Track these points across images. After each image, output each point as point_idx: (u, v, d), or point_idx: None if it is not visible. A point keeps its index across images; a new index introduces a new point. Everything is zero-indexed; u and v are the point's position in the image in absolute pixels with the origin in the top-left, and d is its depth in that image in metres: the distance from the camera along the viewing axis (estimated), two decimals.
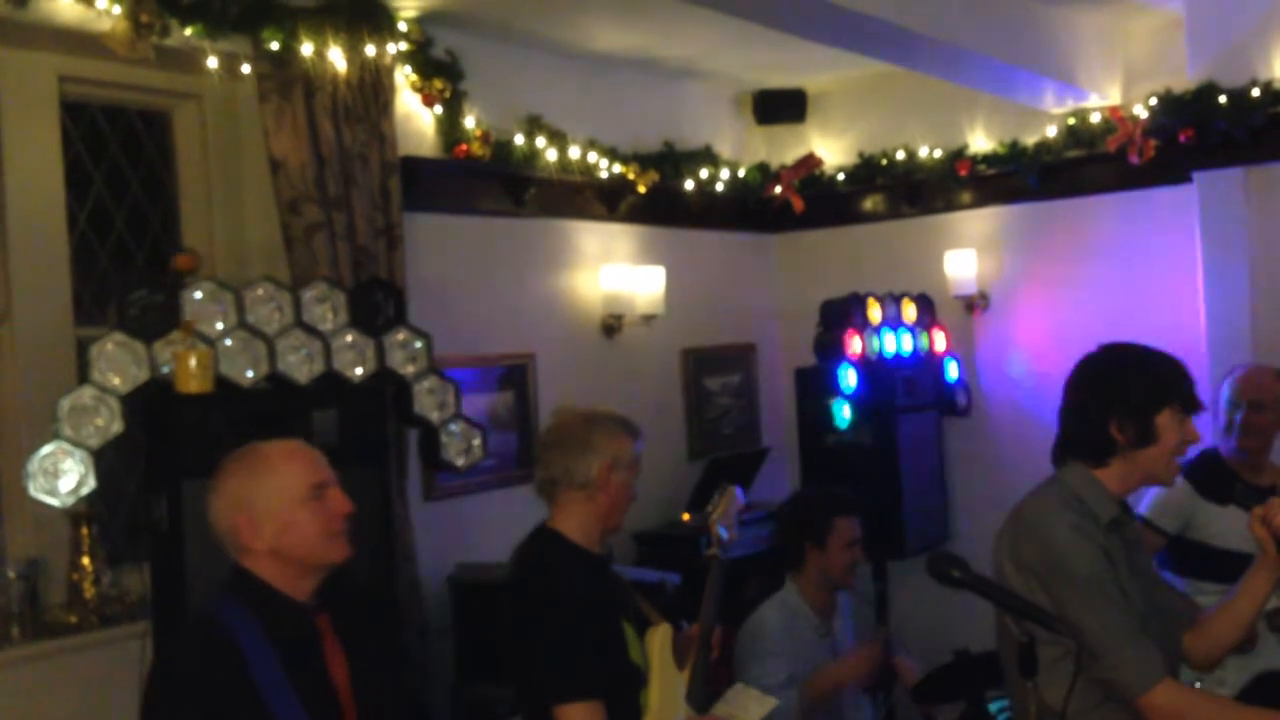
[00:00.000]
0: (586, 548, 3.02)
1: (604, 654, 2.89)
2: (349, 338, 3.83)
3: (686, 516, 5.55)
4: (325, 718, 2.39)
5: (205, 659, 2.34)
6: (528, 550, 3.05)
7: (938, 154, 6.05)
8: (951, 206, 6.15)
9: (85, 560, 3.75)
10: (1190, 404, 2.66)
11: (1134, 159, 5.34)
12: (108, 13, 3.69)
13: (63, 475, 3.30)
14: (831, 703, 3.89)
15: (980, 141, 6.00)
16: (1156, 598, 2.74)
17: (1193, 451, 2.77)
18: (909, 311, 5.81)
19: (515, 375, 5.20)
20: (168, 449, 3.40)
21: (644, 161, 5.67)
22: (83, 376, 3.42)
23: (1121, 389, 2.65)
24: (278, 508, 2.42)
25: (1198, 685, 3.27)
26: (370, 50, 4.35)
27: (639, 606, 3.18)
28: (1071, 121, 5.66)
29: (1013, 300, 6.04)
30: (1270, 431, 4.12)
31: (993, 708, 4.17)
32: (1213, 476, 3.92)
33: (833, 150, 6.44)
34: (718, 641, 3.13)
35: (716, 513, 3.23)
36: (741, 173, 6.27)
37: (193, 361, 3.41)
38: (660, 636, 3.04)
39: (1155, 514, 4.06)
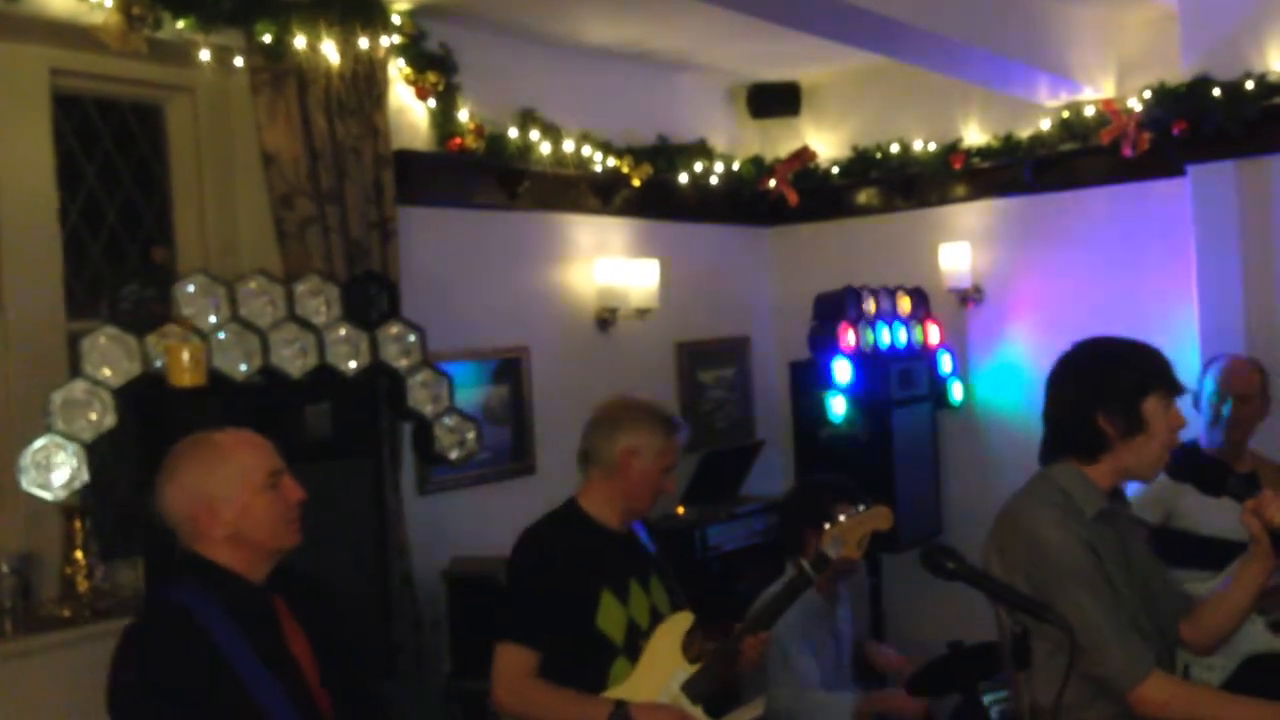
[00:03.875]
0: (601, 522, 3.15)
1: (559, 613, 3.00)
2: (342, 331, 3.83)
3: (681, 510, 5.55)
4: (295, 693, 2.41)
5: (172, 639, 2.36)
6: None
7: (932, 147, 6.05)
8: (945, 200, 6.16)
9: (78, 554, 3.75)
10: (1174, 388, 2.67)
11: (1127, 152, 5.34)
12: (100, 5, 3.69)
13: (55, 469, 3.30)
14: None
15: (974, 135, 6.01)
16: (1154, 587, 2.75)
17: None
18: (903, 305, 5.81)
19: (509, 369, 5.20)
20: (160, 442, 3.38)
21: (638, 155, 5.67)
22: (75, 370, 3.42)
23: (1105, 380, 2.65)
24: (236, 495, 2.45)
25: (1189, 665, 3.28)
26: (364, 43, 4.34)
27: (676, 592, 3.25)
28: (1065, 114, 5.67)
29: (1007, 293, 6.04)
30: (1253, 421, 4.18)
31: (986, 699, 4.18)
32: (1198, 466, 3.94)
33: (827, 143, 6.44)
34: (755, 646, 3.12)
35: (836, 528, 3.15)
36: (736, 166, 6.27)
37: (185, 355, 3.40)
38: (675, 622, 3.11)
39: (1137, 507, 4.07)
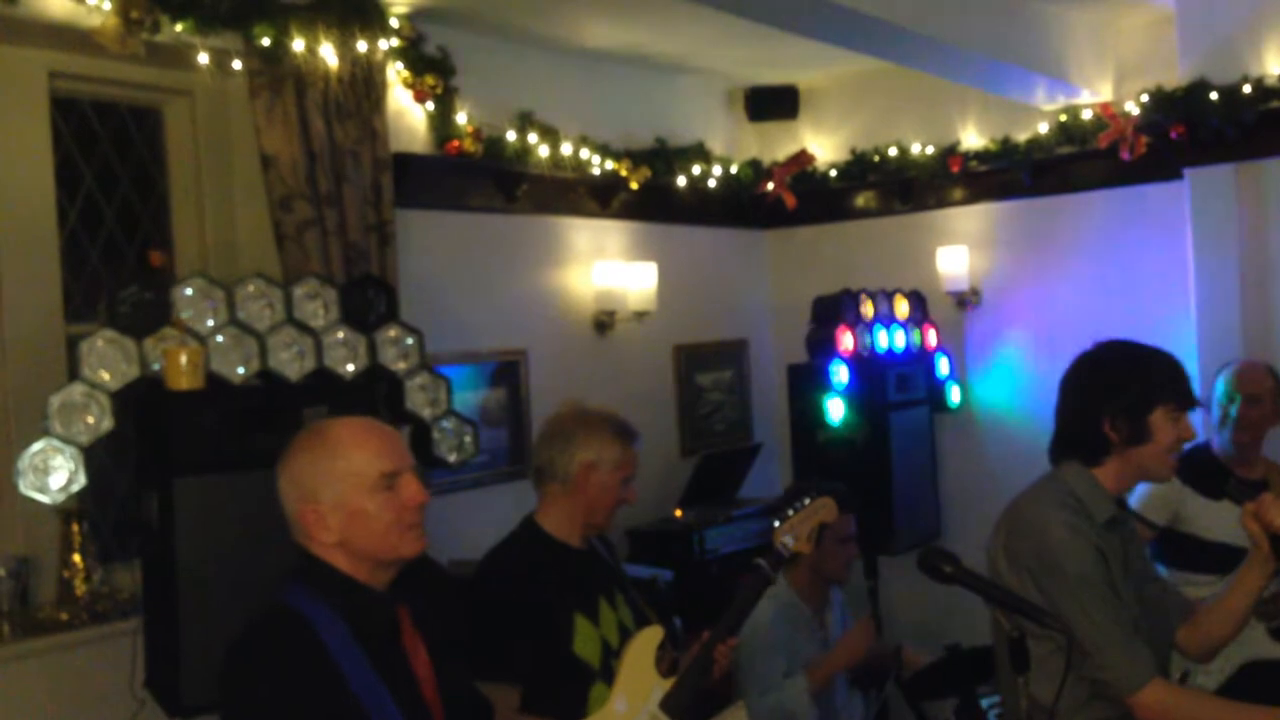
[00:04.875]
0: (562, 540, 3.08)
1: (532, 641, 2.92)
2: (340, 334, 3.82)
3: (679, 513, 5.55)
4: (411, 710, 2.24)
5: (291, 652, 2.17)
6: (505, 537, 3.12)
7: (930, 150, 6.06)
8: (943, 203, 6.16)
9: (76, 557, 3.74)
10: (1185, 401, 2.67)
11: (1125, 155, 5.34)
12: (98, 8, 3.68)
13: (53, 472, 3.28)
14: (824, 699, 3.89)
15: (972, 138, 6.01)
16: (1151, 594, 2.75)
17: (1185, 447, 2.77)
18: (901, 308, 5.81)
19: (507, 372, 5.20)
20: (158, 446, 3.40)
21: (636, 158, 5.67)
22: (73, 373, 3.41)
23: (1114, 387, 2.65)
24: (345, 498, 2.24)
25: (1187, 670, 3.29)
26: (362, 46, 4.34)
27: (639, 605, 3.19)
28: (1063, 118, 5.67)
29: (1004, 296, 6.05)
30: (1264, 425, 4.16)
31: (984, 704, 4.18)
32: (1204, 471, 3.94)
33: (825, 147, 6.45)
34: (725, 653, 3.04)
35: (789, 522, 3.11)
36: (734, 169, 6.27)
37: (183, 358, 3.40)
38: (644, 638, 3.03)
39: (1144, 507, 4.07)
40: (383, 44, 4.44)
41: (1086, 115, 5.58)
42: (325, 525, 2.24)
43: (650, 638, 3.03)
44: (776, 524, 3.13)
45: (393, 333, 3.95)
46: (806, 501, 3.17)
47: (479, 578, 3.09)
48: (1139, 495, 4.06)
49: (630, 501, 3.14)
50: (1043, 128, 5.74)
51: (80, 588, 3.74)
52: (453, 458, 4.08)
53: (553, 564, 3.04)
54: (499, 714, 2.84)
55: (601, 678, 3.00)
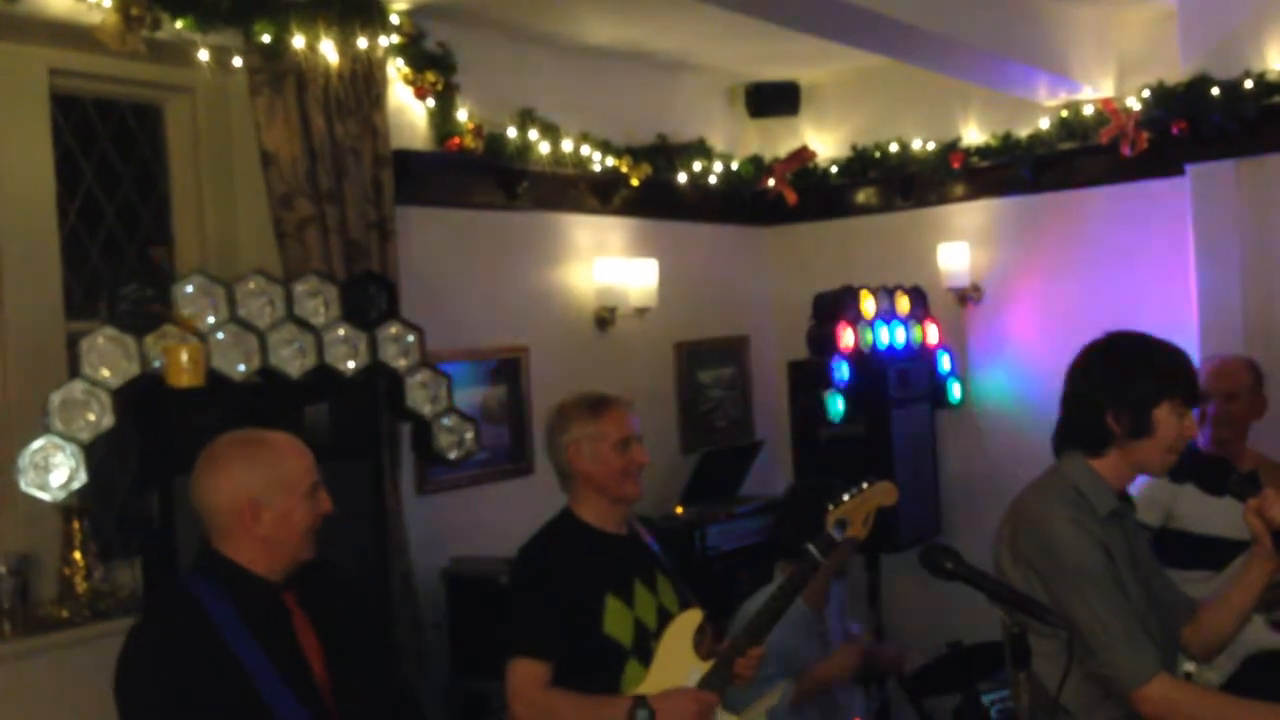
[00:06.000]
0: (597, 526, 3.13)
1: (563, 620, 2.98)
2: (341, 331, 3.83)
3: (680, 510, 5.55)
4: (300, 690, 2.44)
5: (183, 631, 2.41)
6: None
7: (931, 146, 6.05)
8: (944, 199, 6.15)
9: (77, 555, 3.74)
10: (1191, 398, 2.65)
11: (1126, 151, 5.34)
12: (98, 6, 3.68)
13: (54, 469, 3.29)
14: (824, 696, 3.88)
15: (973, 134, 6.00)
16: (1156, 590, 2.74)
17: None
18: (902, 304, 5.80)
19: (508, 368, 5.20)
20: (159, 443, 3.40)
21: (637, 154, 5.67)
22: (74, 370, 3.41)
23: (1122, 380, 2.64)
24: (281, 499, 2.50)
25: (1190, 667, 3.28)
26: (362, 43, 4.34)
27: (684, 590, 3.23)
28: (1064, 114, 5.66)
29: (1006, 293, 6.04)
30: (1242, 420, 4.18)
31: (986, 699, 4.18)
32: (1199, 466, 3.94)
33: (826, 143, 6.44)
34: (747, 666, 3.05)
35: (844, 506, 3.10)
36: (735, 165, 6.26)
37: (184, 355, 3.40)
38: (683, 620, 3.08)
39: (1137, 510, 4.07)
40: (383, 41, 4.44)
41: (1088, 111, 5.57)
42: (260, 522, 2.48)
43: (690, 620, 3.08)
44: (830, 507, 3.11)
45: (393, 330, 3.96)
46: (864, 485, 3.15)
47: (515, 562, 3.18)
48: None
49: (641, 461, 3.14)
50: (1044, 123, 5.73)
51: (81, 585, 3.74)
52: (453, 455, 4.09)
53: (582, 546, 3.10)
54: (529, 688, 2.94)
55: (636, 657, 3.03)
